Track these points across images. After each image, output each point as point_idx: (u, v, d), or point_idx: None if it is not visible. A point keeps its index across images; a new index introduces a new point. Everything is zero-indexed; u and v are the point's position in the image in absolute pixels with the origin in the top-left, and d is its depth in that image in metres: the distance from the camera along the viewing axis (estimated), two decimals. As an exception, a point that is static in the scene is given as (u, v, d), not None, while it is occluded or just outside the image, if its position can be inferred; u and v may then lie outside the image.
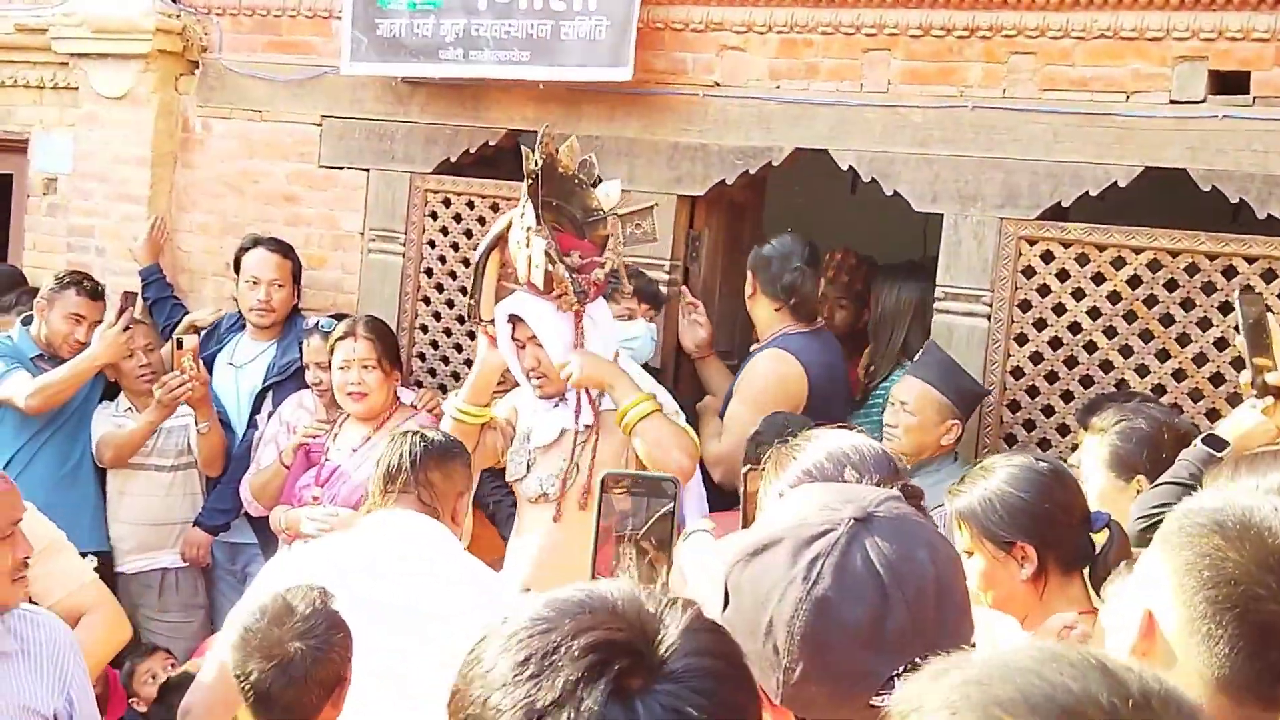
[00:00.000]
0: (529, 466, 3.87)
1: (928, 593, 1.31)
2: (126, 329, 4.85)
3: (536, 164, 3.58)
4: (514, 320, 3.81)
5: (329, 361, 4.60)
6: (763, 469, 2.07)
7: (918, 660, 1.26)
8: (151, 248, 5.64)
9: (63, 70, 5.95)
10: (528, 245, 3.60)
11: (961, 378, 4.08)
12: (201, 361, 4.91)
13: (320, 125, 5.43)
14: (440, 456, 3.22)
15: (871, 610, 1.27)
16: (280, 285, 5.14)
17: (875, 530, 1.32)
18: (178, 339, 4.89)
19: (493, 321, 3.82)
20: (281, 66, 5.50)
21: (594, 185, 3.78)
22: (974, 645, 1.35)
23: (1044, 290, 4.23)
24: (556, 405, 3.87)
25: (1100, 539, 2.61)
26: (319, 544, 3.52)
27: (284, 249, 5.20)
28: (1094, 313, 4.17)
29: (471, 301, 3.84)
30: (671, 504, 1.70)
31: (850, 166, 4.48)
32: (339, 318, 4.90)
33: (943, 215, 4.33)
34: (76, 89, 5.89)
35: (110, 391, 5.19)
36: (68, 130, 5.98)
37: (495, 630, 1.13)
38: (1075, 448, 3.57)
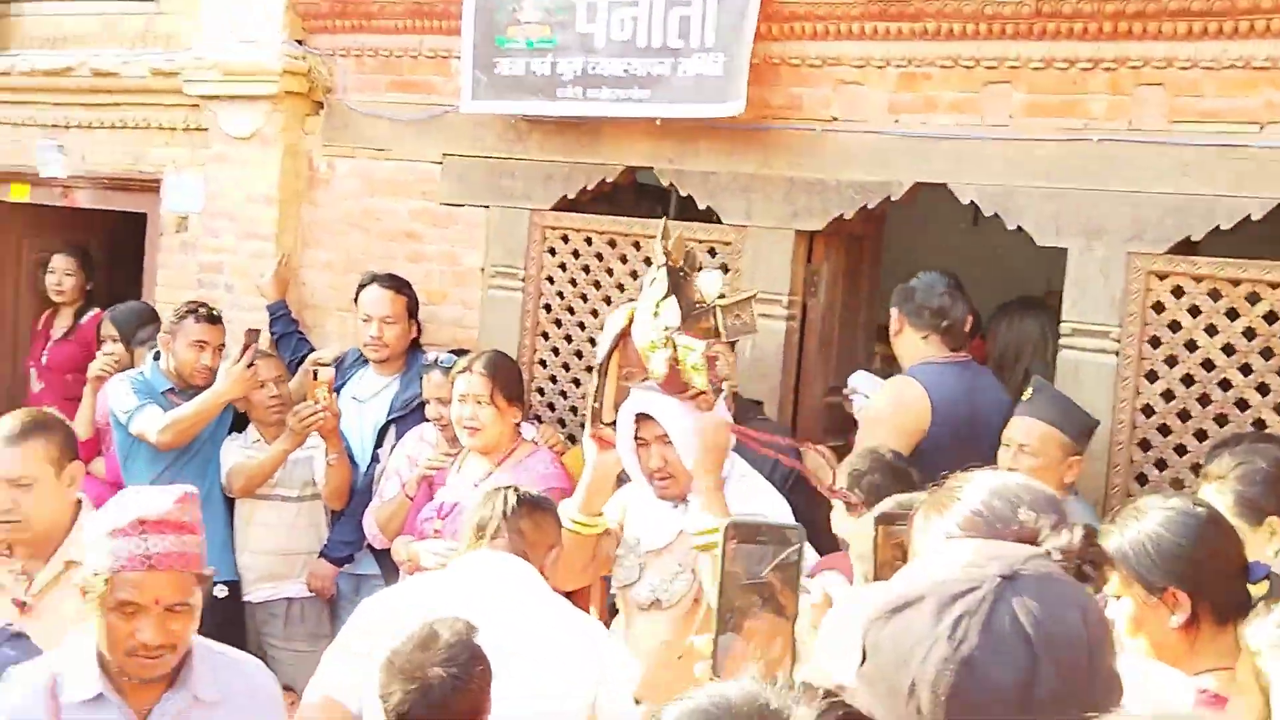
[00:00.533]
0: (640, 570, 3.67)
1: (1079, 654, 1.27)
2: (250, 365, 4.96)
3: (676, 263, 3.40)
4: (639, 419, 3.66)
5: (449, 396, 4.66)
6: (914, 515, 2.03)
7: None
8: (278, 284, 5.78)
9: (194, 112, 6.12)
10: (666, 345, 3.39)
11: (1077, 412, 3.98)
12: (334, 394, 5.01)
13: (441, 163, 5.52)
14: (531, 508, 3.27)
15: (1020, 672, 1.24)
16: (392, 322, 5.21)
17: (1023, 589, 1.28)
18: (313, 370, 5.01)
19: (613, 424, 3.59)
20: (403, 106, 5.60)
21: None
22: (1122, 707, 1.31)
23: (1175, 326, 4.13)
24: (676, 507, 3.67)
25: (1259, 591, 2.51)
26: (415, 580, 3.53)
27: (397, 285, 5.27)
28: (1228, 349, 4.05)
29: (595, 405, 3.57)
30: (797, 552, 1.67)
31: (971, 201, 4.42)
32: (459, 353, 4.96)
33: (1067, 250, 4.25)
34: (207, 130, 6.07)
35: (239, 423, 5.31)
36: (198, 170, 6.16)
37: None
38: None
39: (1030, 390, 4.04)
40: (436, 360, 4.97)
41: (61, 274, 6.66)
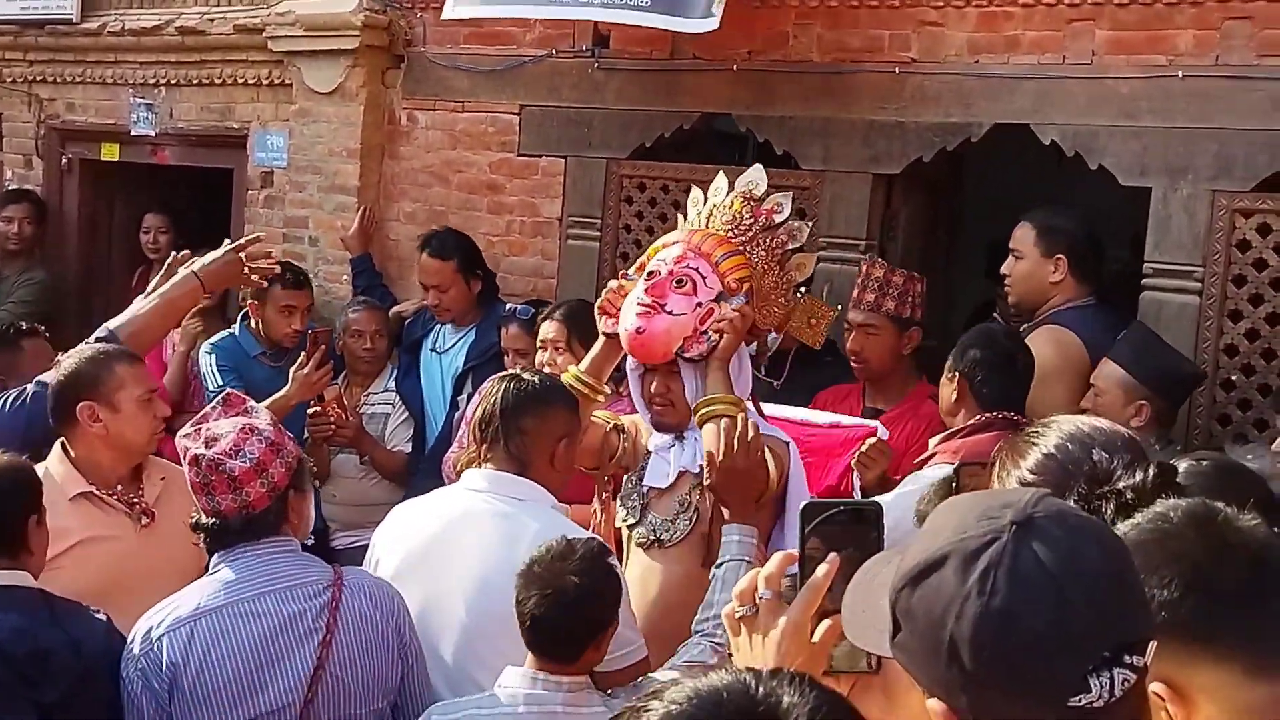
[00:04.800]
0: (642, 511, 3.52)
1: (1104, 585, 1.28)
2: (320, 367, 4.88)
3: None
4: None
5: (526, 347, 4.70)
6: (993, 463, 2.02)
7: (1107, 654, 1.24)
8: (362, 237, 5.86)
9: (278, 68, 6.21)
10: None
11: (1161, 357, 3.88)
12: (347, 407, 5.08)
13: (519, 114, 5.55)
14: (534, 401, 3.13)
15: (1053, 613, 1.25)
16: (445, 288, 5.23)
17: (1039, 531, 1.28)
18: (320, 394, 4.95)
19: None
20: (482, 57, 5.64)
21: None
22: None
23: (1260, 264, 4.04)
24: (673, 446, 3.53)
25: None
26: (411, 504, 3.39)
27: (444, 250, 5.25)
28: (1316, 288, 3.97)
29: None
30: (875, 530, 1.66)
31: (1053, 141, 4.35)
32: (537, 304, 5.00)
33: (1150, 189, 4.17)
34: (290, 85, 6.15)
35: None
36: (283, 125, 6.25)
37: None
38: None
39: (1126, 330, 3.98)
40: (514, 311, 5.01)
41: (156, 231, 6.81)
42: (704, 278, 3.43)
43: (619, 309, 3.51)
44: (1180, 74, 4.09)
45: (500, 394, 3.15)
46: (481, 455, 3.18)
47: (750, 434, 3.11)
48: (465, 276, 5.29)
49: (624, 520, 3.62)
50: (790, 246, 3.58)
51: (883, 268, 4.26)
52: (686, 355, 3.41)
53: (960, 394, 3.67)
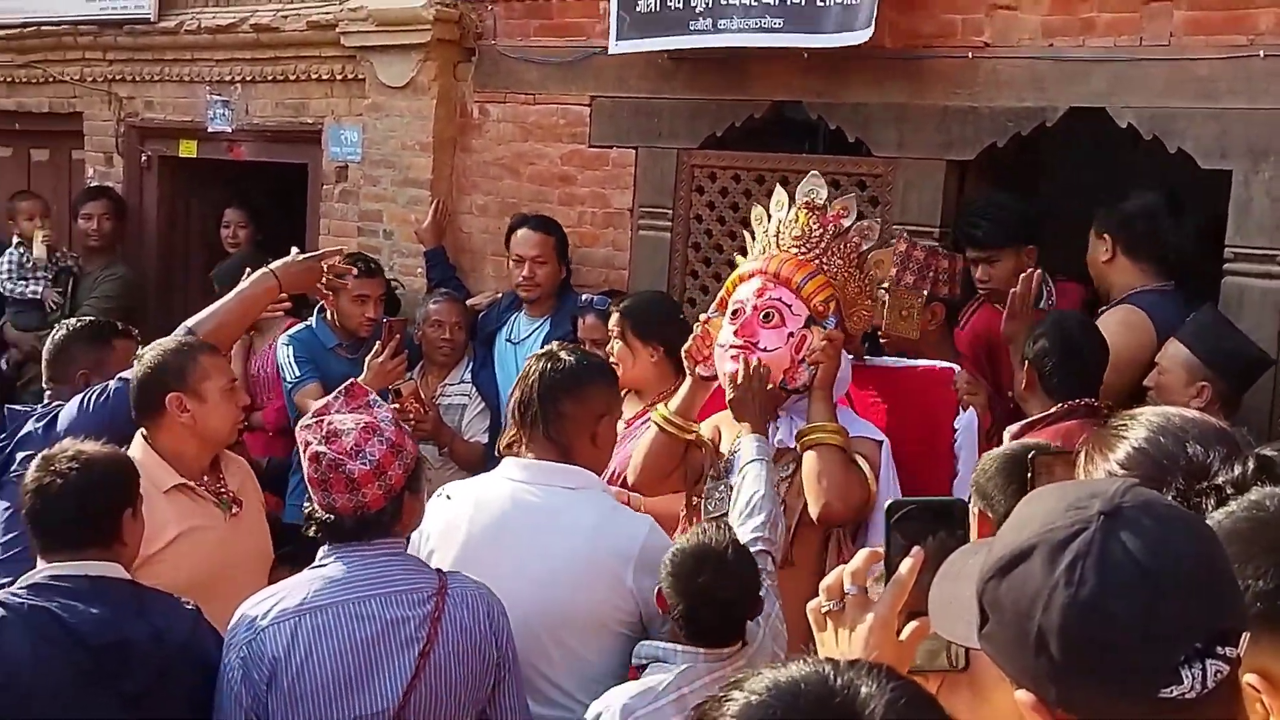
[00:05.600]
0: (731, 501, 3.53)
1: (1195, 575, 1.27)
2: (396, 356, 4.94)
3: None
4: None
5: (602, 337, 4.72)
6: (1077, 454, 2.00)
7: (1199, 645, 1.23)
8: (435, 230, 5.91)
9: (350, 63, 6.28)
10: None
11: (1226, 339, 3.82)
12: (424, 399, 5.13)
13: (590, 105, 5.57)
14: (571, 381, 3.11)
15: (1142, 603, 1.24)
16: (543, 262, 5.29)
17: (1127, 521, 1.28)
18: (395, 388, 5.00)
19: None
20: (552, 49, 5.66)
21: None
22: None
23: (1347, 248, 3.97)
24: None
25: None
26: (453, 494, 3.36)
27: (547, 226, 5.36)
28: (1404, 271, 3.88)
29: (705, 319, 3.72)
30: (959, 524, 1.65)
31: (1129, 124, 4.29)
32: (612, 294, 5.02)
33: (1231, 172, 4.10)
34: (363, 80, 6.22)
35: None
36: (356, 120, 6.32)
37: None
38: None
39: (1195, 312, 3.93)
40: (591, 302, 5.03)
41: (235, 226, 6.92)
42: (789, 306, 3.48)
43: (708, 353, 3.57)
44: (1261, 54, 4.01)
45: (537, 376, 3.13)
46: (523, 441, 3.18)
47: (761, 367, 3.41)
48: (560, 255, 5.35)
49: (711, 513, 3.61)
50: (864, 247, 3.60)
51: (906, 242, 4.23)
52: (790, 388, 3.46)
53: (1029, 382, 3.72)
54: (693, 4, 4.99)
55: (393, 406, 4.92)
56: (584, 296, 5.20)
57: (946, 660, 1.49)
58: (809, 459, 3.35)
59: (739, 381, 3.40)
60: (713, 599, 2.77)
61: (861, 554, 1.64)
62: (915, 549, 1.57)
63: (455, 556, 3.08)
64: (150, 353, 3.53)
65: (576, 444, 3.12)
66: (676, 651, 2.81)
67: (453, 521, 3.15)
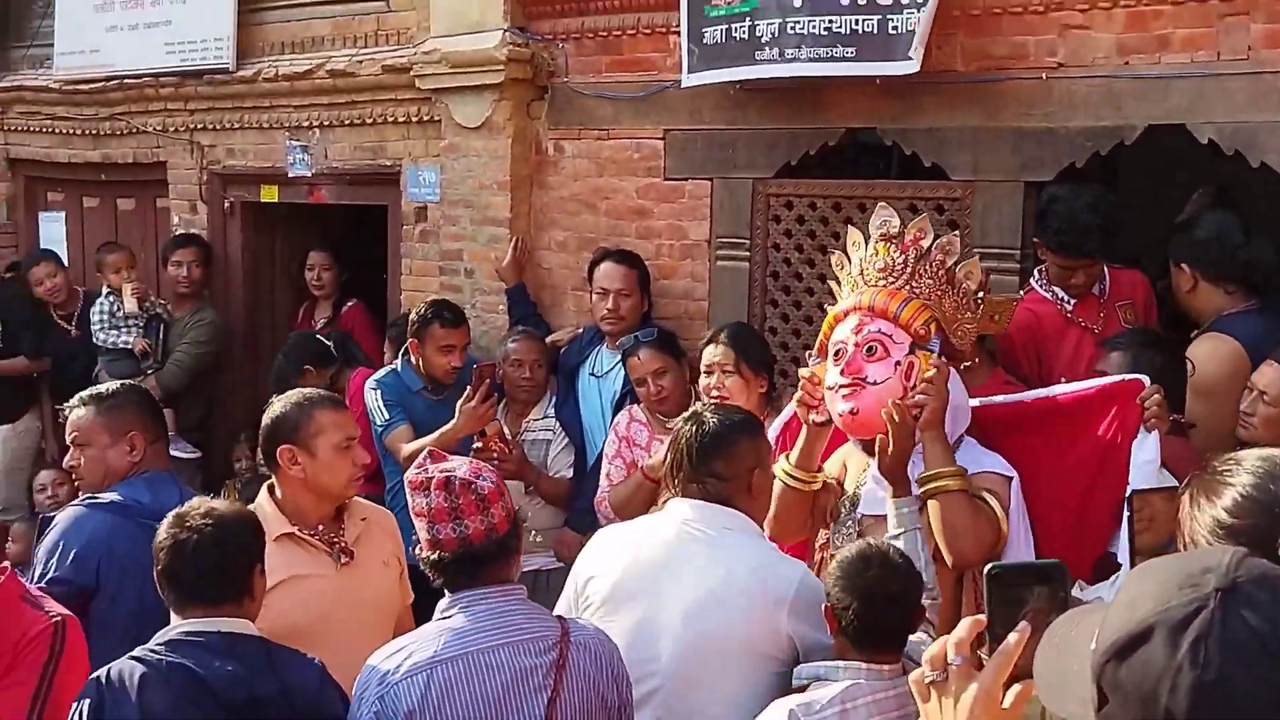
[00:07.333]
0: (857, 537, 3.48)
1: None
2: (486, 400, 5.04)
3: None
4: None
5: (664, 365, 4.88)
6: (1180, 496, 1.97)
7: None
8: (515, 267, 5.99)
9: (426, 105, 6.38)
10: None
11: None
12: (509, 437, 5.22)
13: (664, 138, 5.61)
14: (721, 443, 3.19)
15: (1269, 680, 1.25)
16: (627, 294, 5.36)
17: (1246, 597, 1.28)
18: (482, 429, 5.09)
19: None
20: (624, 84, 5.72)
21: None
22: None
23: None
24: None
25: None
26: (618, 529, 3.50)
27: (630, 260, 5.42)
28: None
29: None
30: (1063, 591, 1.66)
31: (1210, 140, 4.26)
32: (656, 328, 5.17)
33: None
34: (439, 122, 6.31)
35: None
36: (433, 161, 6.41)
37: None
38: None
39: None
40: (636, 338, 5.08)
41: (320, 269, 7.10)
42: (890, 336, 3.47)
43: (820, 399, 3.56)
44: (1343, 65, 3.98)
45: (685, 441, 3.21)
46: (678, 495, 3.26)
47: (900, 415, 3.31)
48: (642, 288, 5.42)
49: (838, 547, 3.63)
50: (949, 263, 3.58)
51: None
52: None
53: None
54: (759, 34, 5.02)
55: (477, 445, 5.04)
56: (626, 338, 5.20)
57: None
58: (934, 510, 3.32)
59: (887, 450, 3.30)
60: (881, 593, 2.84)
61: (965, 623, 1.65)
62: (1023, 624, 1.58)
63: (614, 584, 3.19)
64: (276, 405, 3.63)
65: (733, 497, 3.20)
66: (839, 668, 2.86)
67: (617, 553, 3.25)
